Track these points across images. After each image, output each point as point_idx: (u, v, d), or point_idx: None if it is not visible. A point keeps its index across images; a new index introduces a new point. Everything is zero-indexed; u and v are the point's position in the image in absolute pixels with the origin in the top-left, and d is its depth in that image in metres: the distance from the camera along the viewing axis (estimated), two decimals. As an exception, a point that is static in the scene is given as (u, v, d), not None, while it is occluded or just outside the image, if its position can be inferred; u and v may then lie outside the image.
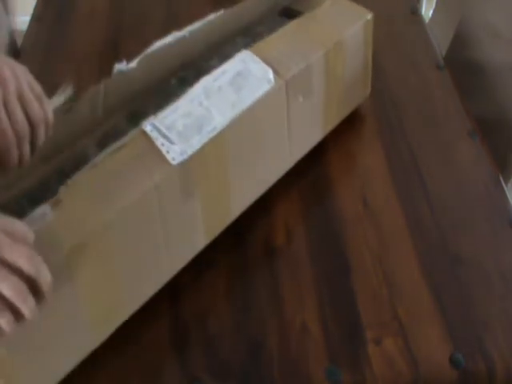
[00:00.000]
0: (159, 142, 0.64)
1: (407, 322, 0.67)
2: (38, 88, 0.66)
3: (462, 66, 1.07)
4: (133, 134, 0.65)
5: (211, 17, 0.81)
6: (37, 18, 1.08)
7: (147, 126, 0.65)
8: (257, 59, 0.73)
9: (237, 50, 0.76)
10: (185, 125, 0.66)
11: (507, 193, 0.81)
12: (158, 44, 0.77)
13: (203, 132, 0.66)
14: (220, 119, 0.68)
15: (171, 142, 0.64)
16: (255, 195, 0.76)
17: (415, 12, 1.09)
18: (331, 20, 0.82)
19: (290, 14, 0.87)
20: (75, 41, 1.01)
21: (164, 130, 0.65)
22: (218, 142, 0.67)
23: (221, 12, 0.81)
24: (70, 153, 0.72)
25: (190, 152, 0.65)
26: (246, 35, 0.84)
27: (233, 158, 0.70)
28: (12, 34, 1.09)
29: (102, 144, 0.72)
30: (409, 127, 0.88)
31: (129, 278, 0.64)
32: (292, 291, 0.70)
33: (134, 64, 0.75)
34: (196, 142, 0.66)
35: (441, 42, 1.08)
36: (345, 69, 0.83)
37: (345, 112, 0.87)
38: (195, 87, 0.69)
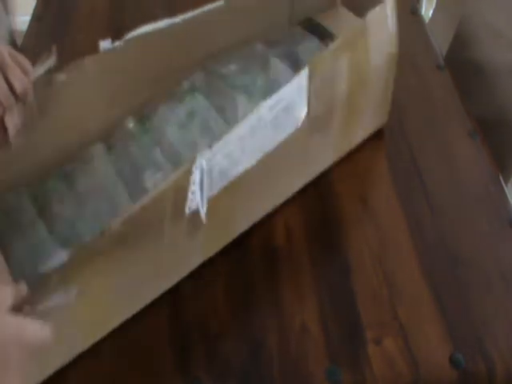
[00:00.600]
0: (192, 188, 0.61)
1: (407, 322, 0.67)
2: (22, 59, 0.64)
3: (462, 66, 1.07)
4: (184, 168, 0.60)
5: (208, 8, 0.78)
6: (37, 18, 1.08)
7: (197, 166, 0.61)
8: (304, 91, 0.69)
9: (255, 54, 0.77)
10: (220, 169, 0.63)
11: (507, 193, 0.81)
12: (147, 28, 0.74)
13: (227, 177, 0.65)
14: (246, 163, 0.66)
15: (201, 191, 0.62)
16: (258, 217, 0.76)
17: (415, 12, 1.09)
18: (361, 48, 0.77)
19: (316, 30, 0.85)
20: (75, 41, 1.01)
21: (204, 173, 0.62)
22: (233, 181, 0.66)
23: (220, 3, 0.79)
24: (75, 155, 0.72)
25: (206, 200, 0.63)
26: (268, 44, 0.83)
27: (243, 191, 0.69)
28: (12, 34, 1.09)
29: (111, 147, 0.72)
30: (409, 127, 0.88)
31: (125, 290, 0.64)
32: (292, 291, 0.70)
33: (121, 43, 0.72)
34: (216, 188, 0.64)
35: (441, 42, 1.08)
36: (365, 104, 0.81)
37: (358, 140, 0.85)
38: (250, 118, 0.64)
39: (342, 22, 0.85)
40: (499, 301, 0.69)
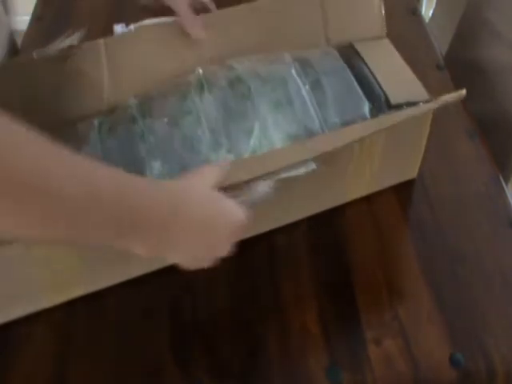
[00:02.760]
0: None
1: (407, 322, 0.67)
2: None
3: (462, 65, 1.07)
4: None
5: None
6: (37, 17, 1.07)
7: None
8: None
9: (279, 65, 0.76)
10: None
11: (507, 193, 0.81)
12: (155, 20, 0.79)
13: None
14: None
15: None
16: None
17: (415, 12, 1.09)
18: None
19: (352, 58, 0.81)
20: (75, 41, 1.01)
21: None
22: None
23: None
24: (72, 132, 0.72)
25: None
26: (295, 58, 0.79)
27: None
28: (12, 34, 1.09)
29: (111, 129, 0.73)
30: (409, 127, 0.88)
31: (89, 267, 0.66)
32: (292, 291, 0.70)
33: (131, 28, 0.79)
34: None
35: (441, 42, 1.07)
36: (383, 151, 0.75)
37: (377, 188, 0.79)
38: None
39: (383, 58, 0.80)
40: (499, 301, 0.69)
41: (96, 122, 0.74)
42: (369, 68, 0.79)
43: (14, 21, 1.11)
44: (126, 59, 0.77)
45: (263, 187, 0.63)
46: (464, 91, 0.70)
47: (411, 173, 0.81)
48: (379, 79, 0.78)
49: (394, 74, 0.79)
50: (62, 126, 0.72)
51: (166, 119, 0.72)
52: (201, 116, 0.73)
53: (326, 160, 0.68)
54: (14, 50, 1.05)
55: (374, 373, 0.63)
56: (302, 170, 0.64)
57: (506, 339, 0.66)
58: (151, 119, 0.73)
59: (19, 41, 1.07)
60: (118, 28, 0.78)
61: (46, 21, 1.06)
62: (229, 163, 0.63)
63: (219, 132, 0.72)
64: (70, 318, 0.66)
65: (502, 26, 1.04)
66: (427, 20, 1.28)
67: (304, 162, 0.64)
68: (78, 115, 0.75)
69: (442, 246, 0.74)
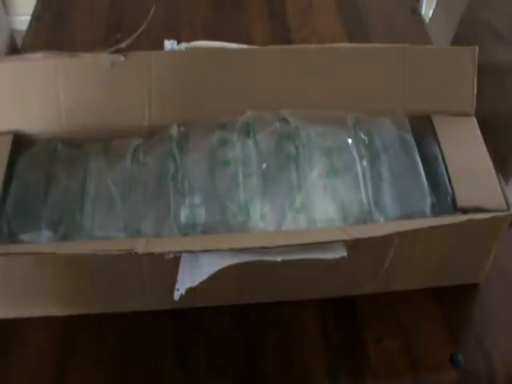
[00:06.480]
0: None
1: (407, 322, 0.67)
2: None
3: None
4: None
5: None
6: (37, 17, 1.07)
7: None
8: None
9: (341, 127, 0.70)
10: None
11: (506, 192, 0.81)
12: (205, 43, 0.75)
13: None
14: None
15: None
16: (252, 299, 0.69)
17: (415, 12, 1.09)
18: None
19: (421, 134, 0.71)
20: (75, 41, 1.01)
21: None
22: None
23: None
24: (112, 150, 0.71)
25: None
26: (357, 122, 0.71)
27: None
28: (12, 34, 1.09)
29: (144, 148, 0.71)
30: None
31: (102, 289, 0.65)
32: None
33: (182, 47, 0.74)
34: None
35: (441, 42, 1.08)
36: (441, 254, 0.65)
37: (430, 285, 0.69)
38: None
39: (462, 141, 0.68)
40: (499, 301, 0.69)
41: (132, 145, 0.71)
42: (441, 151, 0.68)
43: (13, 21, 1.12)
44: (175, 80, 0.72)
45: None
46: None
47: (477, 277, 0.69)
48: (450, 169, 0.67)
49: (470, 166, 0.68)
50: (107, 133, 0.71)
51: (203, 162, 0.69)
52: (238, 167, 0.69)
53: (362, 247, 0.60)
54: (14, 50, 1.06)
55: (374, 373, 0.63)
56: (329, 255, 0.57)
57: (505, 339, 0.66)
58: (188, 157, 0.69)
59: (19, 41, 1.07)
60: (169, 44, 0.74)
61: (46, 21, 1.06)
62: None
63: (254, 190, 0.67)
64: (70, 319, 0.66)
65: (502, 26, 1.04)
66: (427, 20, 1.28)
67: (335, 246, 0.57)
68: (117, 127, 0.72)
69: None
